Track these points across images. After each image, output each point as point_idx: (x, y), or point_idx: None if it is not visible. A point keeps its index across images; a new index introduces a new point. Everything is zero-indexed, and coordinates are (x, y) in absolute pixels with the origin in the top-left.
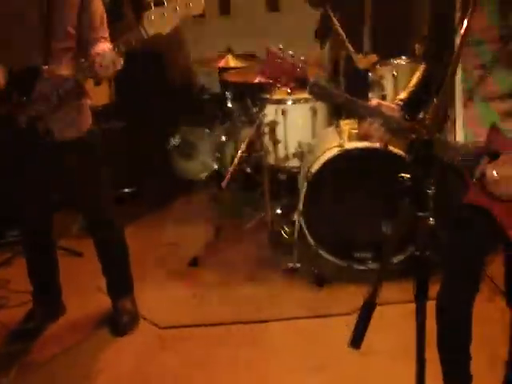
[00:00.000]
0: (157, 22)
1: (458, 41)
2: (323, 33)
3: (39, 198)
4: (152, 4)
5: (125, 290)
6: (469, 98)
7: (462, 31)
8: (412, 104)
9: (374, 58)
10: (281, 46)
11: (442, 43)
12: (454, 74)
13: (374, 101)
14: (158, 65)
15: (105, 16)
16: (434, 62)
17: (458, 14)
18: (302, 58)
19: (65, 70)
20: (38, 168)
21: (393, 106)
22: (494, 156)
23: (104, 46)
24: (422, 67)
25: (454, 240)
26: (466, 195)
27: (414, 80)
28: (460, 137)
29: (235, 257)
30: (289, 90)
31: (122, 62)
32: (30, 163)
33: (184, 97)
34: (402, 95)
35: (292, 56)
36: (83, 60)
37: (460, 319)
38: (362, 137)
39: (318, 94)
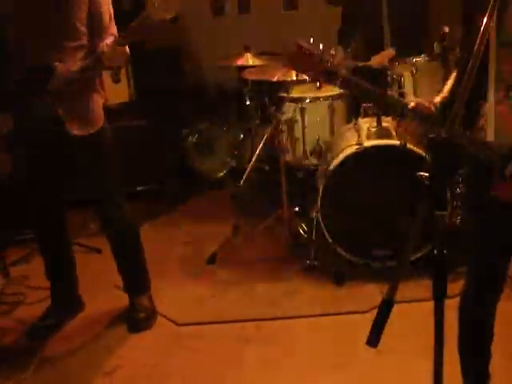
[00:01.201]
0: (160, 8)
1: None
2: (347, 33)
3: (52, 194)
4: None
5: (142, 286)
6: (505, 94)
7: (481, 32)
8: (446, 105)
9: (391, 52)
10: (311, 40)
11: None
12: (482, 73)
13: (412, 100)
14: (175, 63)
15: (112, 13)
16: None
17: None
18: (332, 51)
19: (76, 66)
20: (52, 164)
21: (430, 106)
22: None
23: (112, 38)
24: (454, 74)
25: (480, 239)
26: (494, 194)
27: (449, 85)
28: (490, 136)
29: (253, 255)
30: (318, 84)
31: (127, 52)
32: (42, 159)
33: (201, 95)
34: (438, 98)
35: (321, 50)
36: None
37: (484, 320)
38: (401, 134)
39: (350, 86)
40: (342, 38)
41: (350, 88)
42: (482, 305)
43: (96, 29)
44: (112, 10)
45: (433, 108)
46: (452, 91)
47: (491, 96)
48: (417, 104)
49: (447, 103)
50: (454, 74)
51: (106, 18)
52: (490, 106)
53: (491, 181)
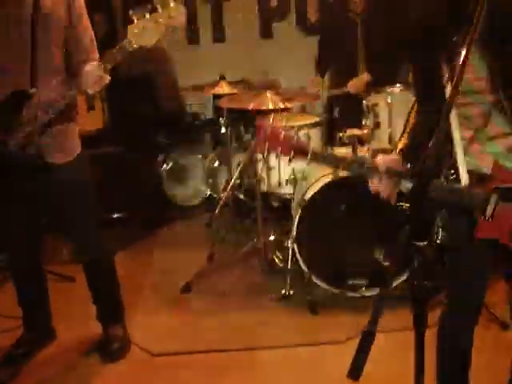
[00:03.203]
0: (140, 35)
1: (448, 89)
2: (324, 62)
3: (25, 222)
4: (135, 17)
5: (115, 316)
6: (476, 137)
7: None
8: (412, 151)
9: (366, 77)
10: (271, 119)
11: (430, 90)
12: (447, 117)
13: (378, 158)
14: (150, 90)
15: (93, 37)
16: (425, 106)
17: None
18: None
19: (53, 92)
20: (25, 192)
21: (395, 157)
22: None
23: (91, 64)
24: (415, 112)
25: (458, 268)
26: (475, 231)
27: (410, 126)
28: (464, 180)
29: (228, 283)
30: (290, 158)
31: (108, 79)
32: (16, 186)
33: (176, 122)
34: (401, 144)
35: (284, 126)
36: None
37: (461, 346)
38: (375, 194)
39: (320, 160)
40: (318, 66)
41: (319, 162)
42: (459, 331)
43: (75, 53)
44: (93, 34)
45: (397, 157)
46: (413, 129)
47: (457, 138)
48: (382, 160)
49: (411, 144)
50: (412, 119)
51: (86, 41)
52: (459, 150)
53: (471, 223)
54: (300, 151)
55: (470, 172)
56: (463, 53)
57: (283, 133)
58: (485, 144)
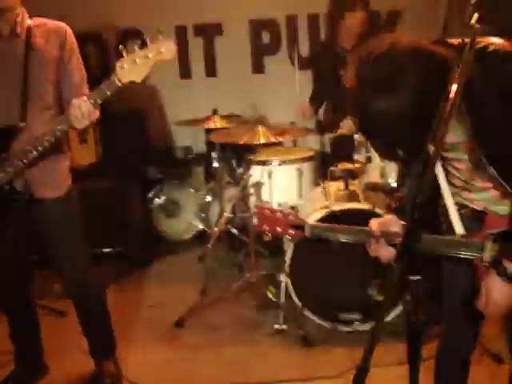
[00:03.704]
0: (130, 70)
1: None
2: (319, 99)
3: (14, 258)
4: (124, 52)
5: (107, 351)
6: (464, 186)
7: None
8: (403, 207)
9: None
10: (267, 200)
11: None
12: (432, 169)
13: (372, 223)
14: (141, 125)
15: (84, 73)
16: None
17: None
18: (289, 205)
19: (43, 127)
20: (14, 227)
21: (388, 218)
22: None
23: (79, 99)
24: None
25: (454, 297)
26: (474, 277)
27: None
28: (459, 229)
29: (221, 318)
30: (289, 237)
31: (97, 114)
32: (5, 221)
33: (168, 156)
34: (396, 198)
35: (279, 205)
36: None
37: (457, 375)
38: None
39: (319, 234)
40: (313, 102)
41: (319, 236)
42: (456, 359)
43: (66, 90)
44: (84, 71)
45: (392, 217)
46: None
47: (446, 189)
48: (378, 224)
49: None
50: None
51: (77, 78)
52: (449, 202)
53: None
54: (297, 227)
55: (465, 207)
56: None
57: (280, 212)
58: (475, 193)
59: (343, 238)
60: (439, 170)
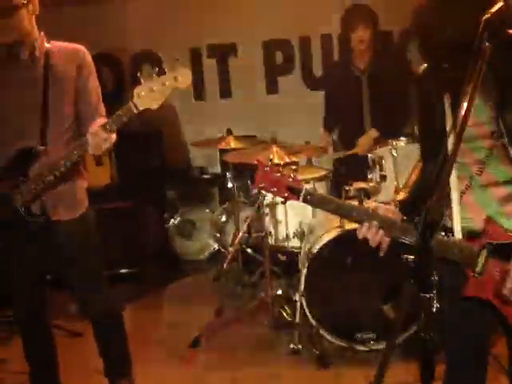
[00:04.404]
0: (146, 98)
1: (450, 140)
2: (332, 119)
3: (30, 278)
4: (141, 79)
5: (123, 371)
6: (468, 184)
7: (457, 129)
8: (409, 205)
9: (373, 133)
10: (271, 157)
11: (434, 144)
12: (449, 173)
13: (372, 204)
14: (157, 145)
15: (100, 95)
16: (428, 164)
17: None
18: (293, 167)
19: (61, 151)
20: (30, 250)
21: (391, 208)
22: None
23: (96, 125)
24: (419, 166)
25: (455, 330)
26: (465, 287)
27: (413, 179)
28: (457, 233)
29: (237, 337)
30: (282, 200)
31: (113, 139)
32: (21, 243)
33: (183, 177)
34: (401, 196)
35: (283, 166)
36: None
37: None
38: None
39: (313, 202)
40: (326, 124)
41: (312, 204)
42: None
43: (84, 111)
44: (100, 91)
45: (393, 208)
46: (415, 184)
47: (454, 187)
48: (376, 207)
49: (410, 198)
50: (416, 171)
51: (95, 98)
52: (455, 203)
53: (462, 279)
54: (294, 191)
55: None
56: (465, 104)
57: (280, 171)
58: (475, 193)
59: (338, 213)
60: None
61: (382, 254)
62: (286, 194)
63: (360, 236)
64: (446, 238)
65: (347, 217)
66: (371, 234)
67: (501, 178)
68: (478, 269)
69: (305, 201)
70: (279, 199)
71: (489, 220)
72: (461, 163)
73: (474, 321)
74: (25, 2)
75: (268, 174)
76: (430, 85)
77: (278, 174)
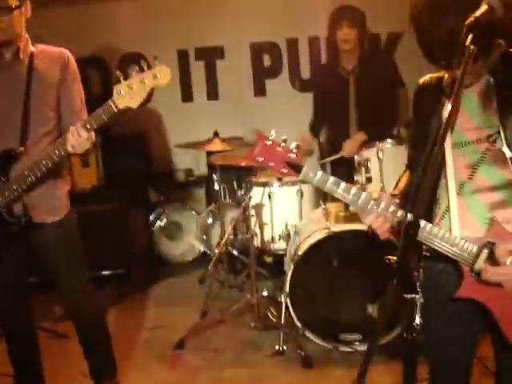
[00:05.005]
0: (126, 96)
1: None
2: (319, 125)
3: (13, 282)
4: (121, 78)
5: (108, 373)
6: (460, 192)
7: (441, 131)
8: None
9: (360, 136)
10: (272, 133)
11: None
12: (439, 168)
13: (378, 193)
14: (144, 147)
15: (83, 100)
16: (415, 150)
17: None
18: (296, 142)
19: (41, 152)
20: (12, 252)
21: (391, 198)
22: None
23: (77, 124)
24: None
25: (440, 334)
26: (458, 288)
27: (401, 188)
28: (456, 231)
29: (222, 339)
30: (279, 176)
31: (93, 138)
32: (2, 246)
33: (169, 179)
34: (396, 190)
35: (284, 140)
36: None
37: None
38: (370, 230)
39: (314, 182)
40: (313, 130)
41: (313, 183)
42: None
43: (66, 114)
44: (83, 96)
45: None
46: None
47: (452, 190)
48: (379, 195)
49: (405, 190)
50: (406, 174)
51: (78, 103)
52: (452, 200)
53: (455, 278)
54: (295, 168)
55: None
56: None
57: (281, 146)
58: (467, 199)
59: (340, 195)
60: (449, 161)
61: (383, 238)
62: (285, 170)
63: (367, 223)
64: (446, 234)
65: (352, 202)
66: (378, 223)
67: (493, 181)
68: (476, 268)
69: (306, 179)
70: (266, 195)
71: (492, 221)
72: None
73: (462, 322)
74: (19, 4)
75: (267, 148)
76: (429, 97)
77: (280, 149)
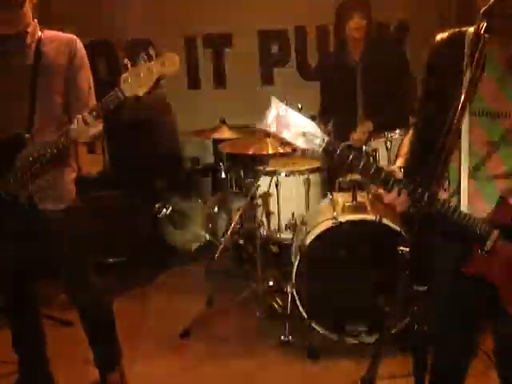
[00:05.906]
0: (133, 84)
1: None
2: (327, 112)
3: (18, 268)
4: (129, 65)
5: (113, 362)
6: (473, 174)
7: (461, 102)
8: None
9: (369, 126)
10: (285, 102)
11: (434, 110)
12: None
13: (391, 168)
14: (149, 135)
15: (92, 86)
16: (424, 126)
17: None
18: (312, 112)
19: (48, 139)
20: (16, 238)
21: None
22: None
23: (84, 111)
24: (410, 133)
25: (445, 308)
26: (467, 263)
27: (406, 148)
28: (464, 207)
29: (227, 329)
30: (290, 150)
31: (101, 126)
32: (7, 233)
33: (176, 167)
34: (399, 163)
35: (300, 109)
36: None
37: None
38: (387, 205)
39: (332, 153)
40: (321, 115)
41: (333, 157)
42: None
43: (73, 101)
44: (92, 82)
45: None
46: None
47: (464, 172)
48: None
49: (407, 165)
50: (406, 141)
51: (85, 90)
52: (463, 176)
53: (466, 255)
54: (312, 140)
55: None
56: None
57: (295, 112)
58: (481, 183)
59: (359, 171)
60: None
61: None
62: (298, 141)
63: (386, 201)
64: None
65: (372, 178)
66: (400, 200)
67: (510, 166)
68: (486, 247)
69: (325, 152)
70: (274, 183)
71: (502, 201)
72: (470, 144)
73: (467, 298)
74: None
75: (282, 117)
76: (449, 52)
77: (296, 118)
